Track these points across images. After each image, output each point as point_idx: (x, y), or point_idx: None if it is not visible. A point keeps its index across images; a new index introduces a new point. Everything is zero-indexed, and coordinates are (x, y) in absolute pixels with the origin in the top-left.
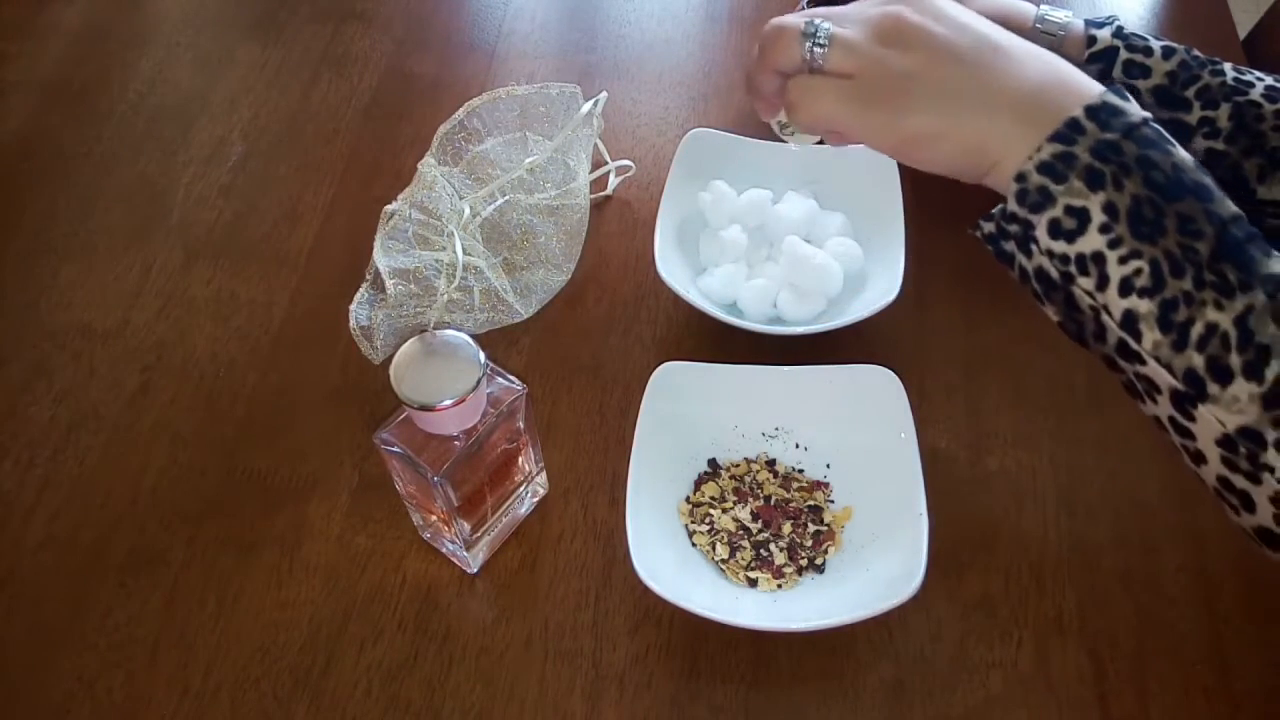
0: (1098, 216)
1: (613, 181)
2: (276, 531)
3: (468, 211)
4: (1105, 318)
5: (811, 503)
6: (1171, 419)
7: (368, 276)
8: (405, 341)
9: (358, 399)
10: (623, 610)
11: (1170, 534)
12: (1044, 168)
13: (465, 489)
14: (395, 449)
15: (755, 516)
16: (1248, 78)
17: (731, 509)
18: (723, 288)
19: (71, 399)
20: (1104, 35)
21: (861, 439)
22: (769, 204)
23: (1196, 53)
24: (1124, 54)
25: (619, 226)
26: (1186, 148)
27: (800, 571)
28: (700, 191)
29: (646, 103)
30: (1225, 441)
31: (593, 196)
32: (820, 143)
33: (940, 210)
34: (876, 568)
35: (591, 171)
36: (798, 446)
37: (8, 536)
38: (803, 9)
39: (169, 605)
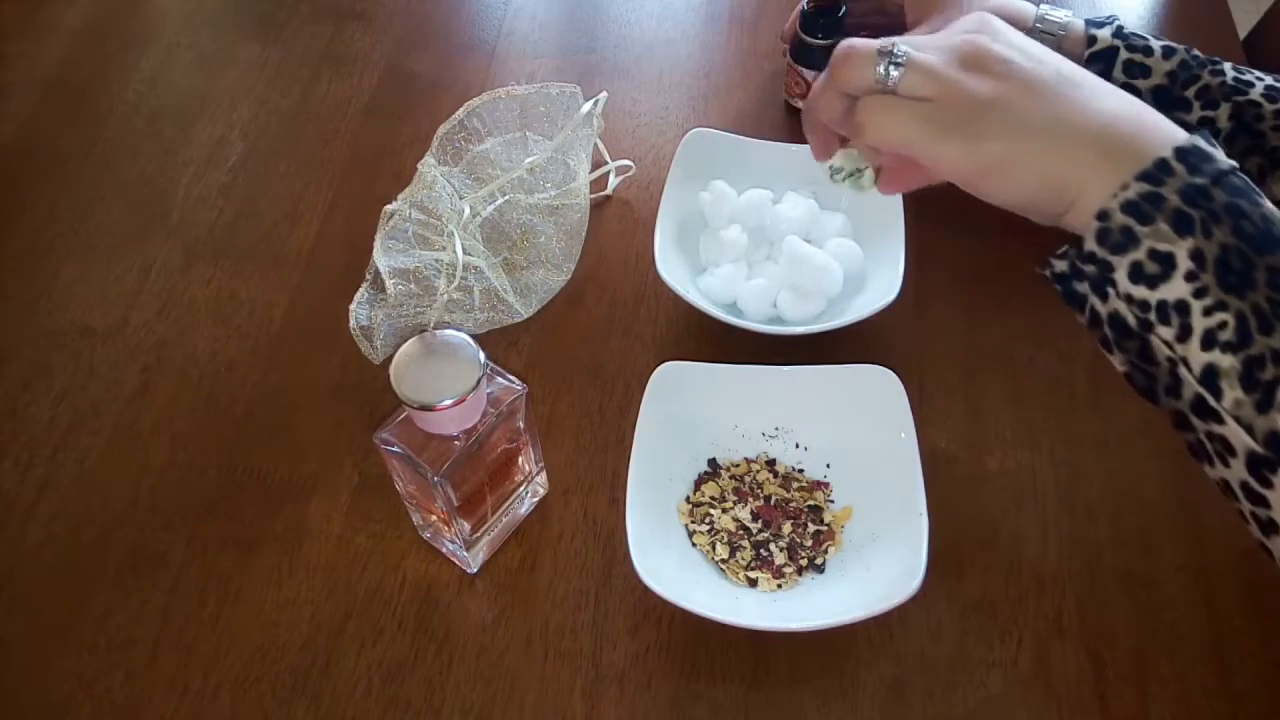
0: (1184, 263)
1: (613, 181)
2: (276, 531)
3: (468, 211)
4: (1183, 370)
5: (811, 503)
6: (1244, 484)
7: (368, 276)
8: (405, 341)
9: (358, 399)
10: (623, 610)
11: (1170, 534)
12: (1129, 207)
13: (465, 489)
14: (395, 449)
15: (755, 516)
16: (1247, 77)
17: (731, 509)
18: (723, 288)
19: (71, 399)
20: (1104, 35)
21: (861, 439)
22: (769, 204)
23: (1196, 52)
24: (1124, 54)
25: (619, 226)
26: None
27: (800, 571)
28: (700, 191)
29: (646, 103)
30: None
31: (593, 196)
32: (873, 185)
33: (940, 210)
34: (876, 568)
35: (591, 171)
36: (798, 446)
37: (8, 536)
38: (802, 9)
39: (169, 605)
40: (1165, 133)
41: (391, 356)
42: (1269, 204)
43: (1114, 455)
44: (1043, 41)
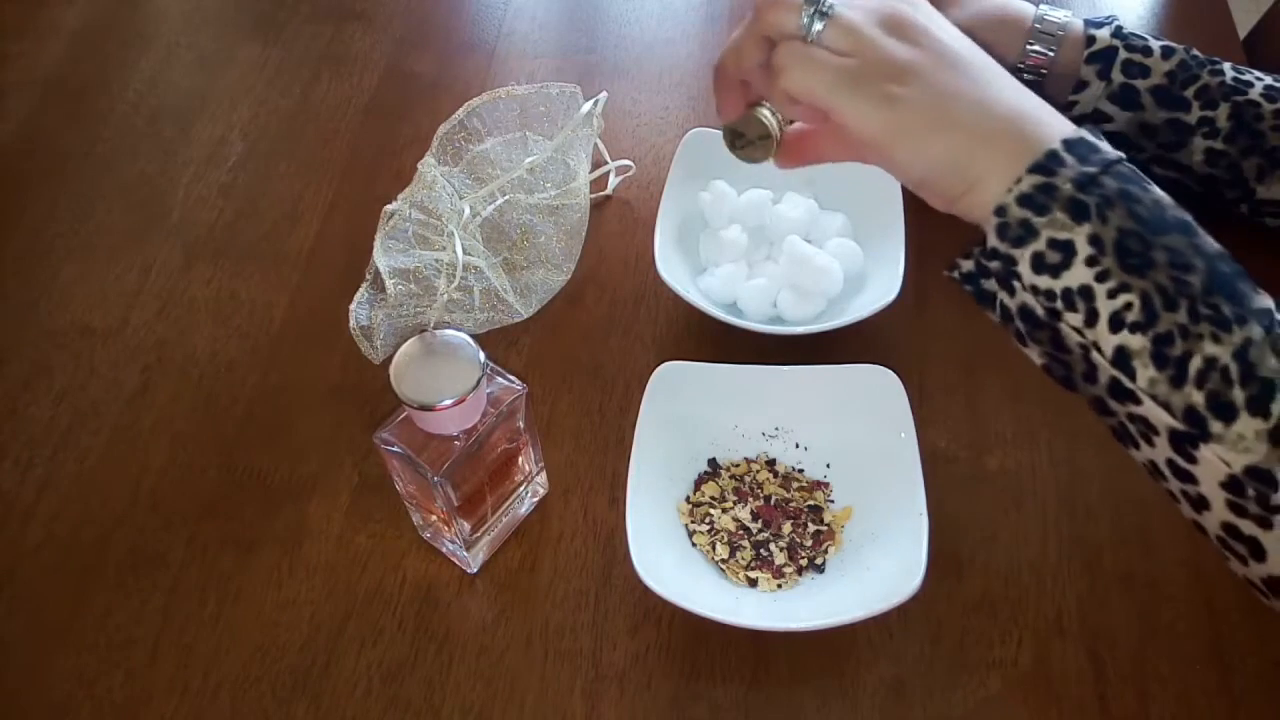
0: (1084, 249)
1: (613, 181)
2: (276, 531)
3: (468, 211)
4: (1096, 355)
5: (811, 502)
6: (1170, 462)
7: (368, 276)
8: (405, 341)
9: (358, 399)
10: (623, 610)
11: (1170, 533)
12: (1024, 200)
13: (465, 489)
14: (395, 449)
15: (755, 516)
16: (1247, 77)
17: (731, 509)
18: (723, 287)
19: (71, 399)
20: (1103, 35)
21: (861, 439)
22: (769, 204)
23: (1196, 52)
24: (1123, 54)
25: (619, 226)
26: (1186, 147)
27: (800, 571)
28: (700, 191)
29: (646, 102)
30: (1231, 484)
31: (593, 196)
32: (768, 160)
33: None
34: (876, 567)
35: (591, 171)
36: (798, 446)
37: (8, 536)
38: None
39: (169, 605)
40: (1056, 126)
41: (391, 356)
42: (1158, 191)
43: (1114, 454)
44: (1042, 42)
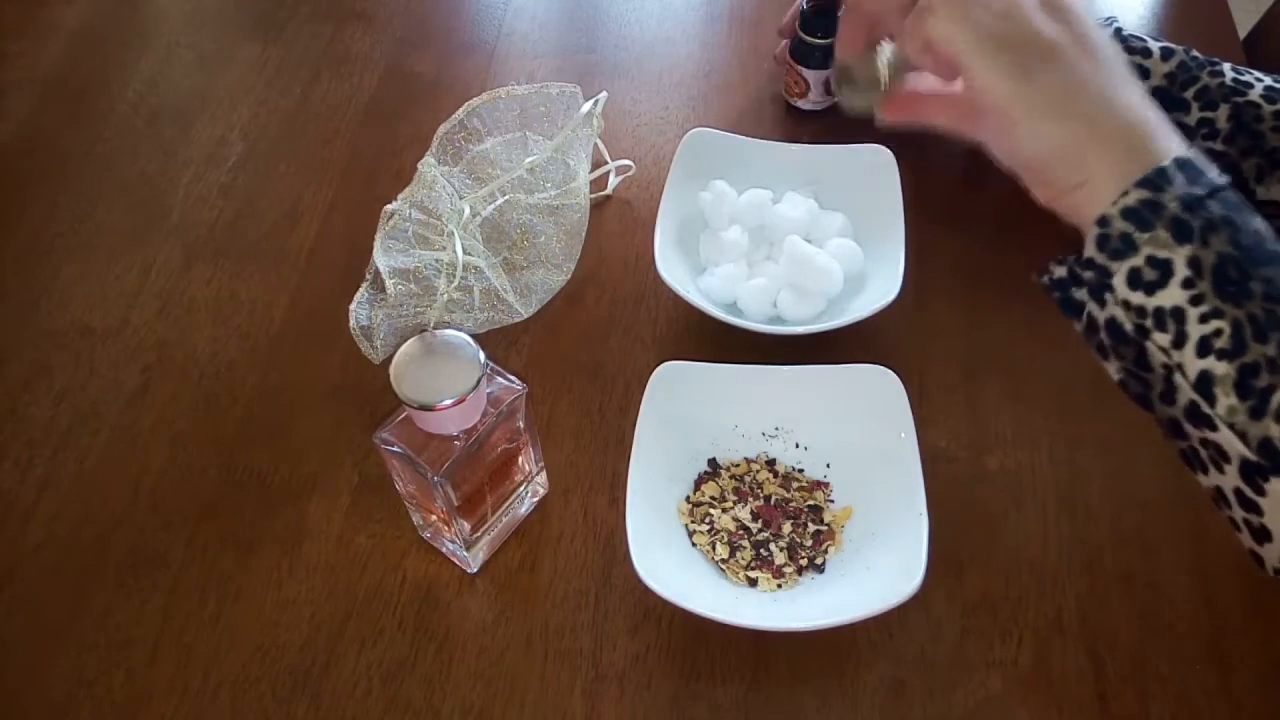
0: (1181, 270)
1: (613, 181)
2: (276, 531)
3: (468, 211)
4: (1178, 377)
5: (811, 502)
6: (1238, 491)
7: (368, 276)
8: (405, 341)
9: (358, 399)
10: (623, 610)
11: (1170, 534)
12: (1129, 213)
13: (465, 489)
14: (395, 449)
15: (755, 516)
16: (1246, 78)
17: (731, 509)
18: (723, 287)
19: (71, 399)
20: None
21: (861, 439)
22: (769, 204)
23: (1196, 53)
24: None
25: (619, 226)
26: None
27: (800, 571)
28: (700, 191)
29: (646, 102)
30: None
31: (593, 196)
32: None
33: (940, 210)
34: (876, 567)
35: (591, 171)
36: (798, 446)
37: (8, 536)
38: (801, 8)
39: (169, 605)
40: (1170, 142)
41: (391, 356)
42: (1260, 221)
43: (1114, 455)
44: None
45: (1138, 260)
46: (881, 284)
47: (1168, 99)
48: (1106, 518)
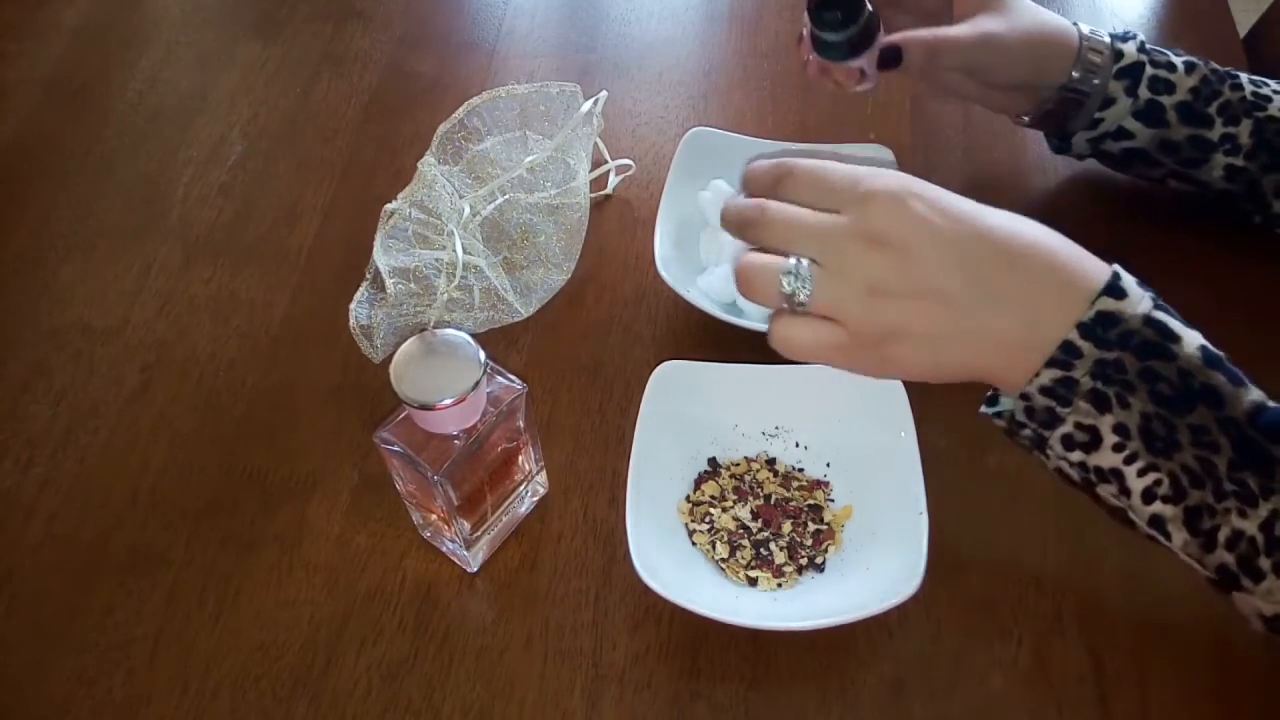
0: (1109, 437)
1: (613, 181)
2: (276, 531)
3: (468, 210)
4: (1133, 516)
5: (811, 502)
6: (1213, 582)
7: (368, 275)
8: (405, 340)
9: (358, 398)
10: (623, 609)
11: None
12: (1046, 391)
13: (465, 488)
14: (395, 448)
15: (755, 515)
16: (1264, 91)
17: (731, 508)
18: (723, 287)
19: (71, 398)
20: (1130, 49)
21: (861, 438)
22: None
23: (1214, 65)
24: (1149, 69)
25: (619, 225)
26: (1207, 164)
27: (800, 571)
28: (700, 191)
29: (646, 102)
30: (1268, 621)
31: (593, 195)
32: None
33: None
34: (876, 567)
35: (591, 170)
36: (798, 445)
37: (8, 536)
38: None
39: (169, 604)
40: (1075, 300)
41: (391, 356)
42: (1187, 348)
43: None
44: (1090, 59)
45: (1067, 428)
46: None
47: (1192, 114)
48: (1106, 518)
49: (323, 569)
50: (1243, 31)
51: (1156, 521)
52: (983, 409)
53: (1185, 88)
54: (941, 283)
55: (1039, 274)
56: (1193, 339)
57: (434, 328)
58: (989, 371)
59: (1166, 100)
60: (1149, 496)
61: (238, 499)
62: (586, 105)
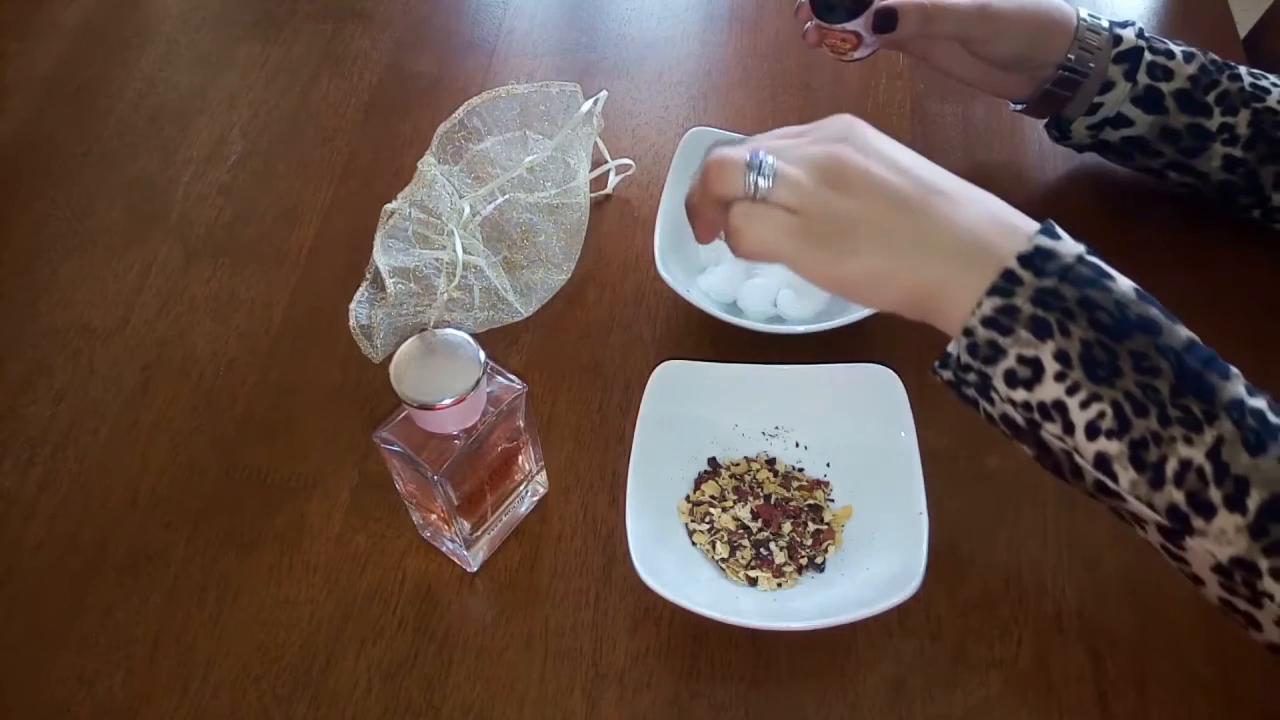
0: (1051, 365)
1: (613, 180)
2: (276, 530)
3: (468, 210)
4: (1079, 459)
5: (811, 502)
6: (1164, 547)
7: (367, 275)
8: (405, 340)
9: (358, 398)
10: (623, 609)
11: None
12: (988, 322)
13: (465, 488)
14: (395, 448)
15: (755, 515)
16: (1263, 83)
17: (731, 508)
18: (723, 286)
19: (71, 397)
20: (1129, 35)
21: (861, 438)
22: None
23: (1214, 56)
24: (1148, 55)
25: (619, 225)
26: (1205, 153)
27: (800, 570)
28: None
29: (646, 101)
30: (1220, 569)
31: (593, 195)
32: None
33: None
34: (876, 567)
35: (591, 170)
36: (798, 445)
37: (8, 536)
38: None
39: (169, 604)
40: (1013, 238)
41: (391, 355)
42: (1121, 285)
43: None
44: (1087, 39)
45: (1009, 362)
46: None
47: (1190, 102)
48: (1106, 517)
49: (323, 569)
50: (1243, 31)
51: (1102, 462)
52: (934, 368)
53: (1184, 75)
54: (897, 184)
55: (982, 211)
56: (1126, 280)
57: (434, 328)
58: (934, 290)
59: (1165, 86)
60: (1093, 431)
61: (238, 499)
62: (586, 105)
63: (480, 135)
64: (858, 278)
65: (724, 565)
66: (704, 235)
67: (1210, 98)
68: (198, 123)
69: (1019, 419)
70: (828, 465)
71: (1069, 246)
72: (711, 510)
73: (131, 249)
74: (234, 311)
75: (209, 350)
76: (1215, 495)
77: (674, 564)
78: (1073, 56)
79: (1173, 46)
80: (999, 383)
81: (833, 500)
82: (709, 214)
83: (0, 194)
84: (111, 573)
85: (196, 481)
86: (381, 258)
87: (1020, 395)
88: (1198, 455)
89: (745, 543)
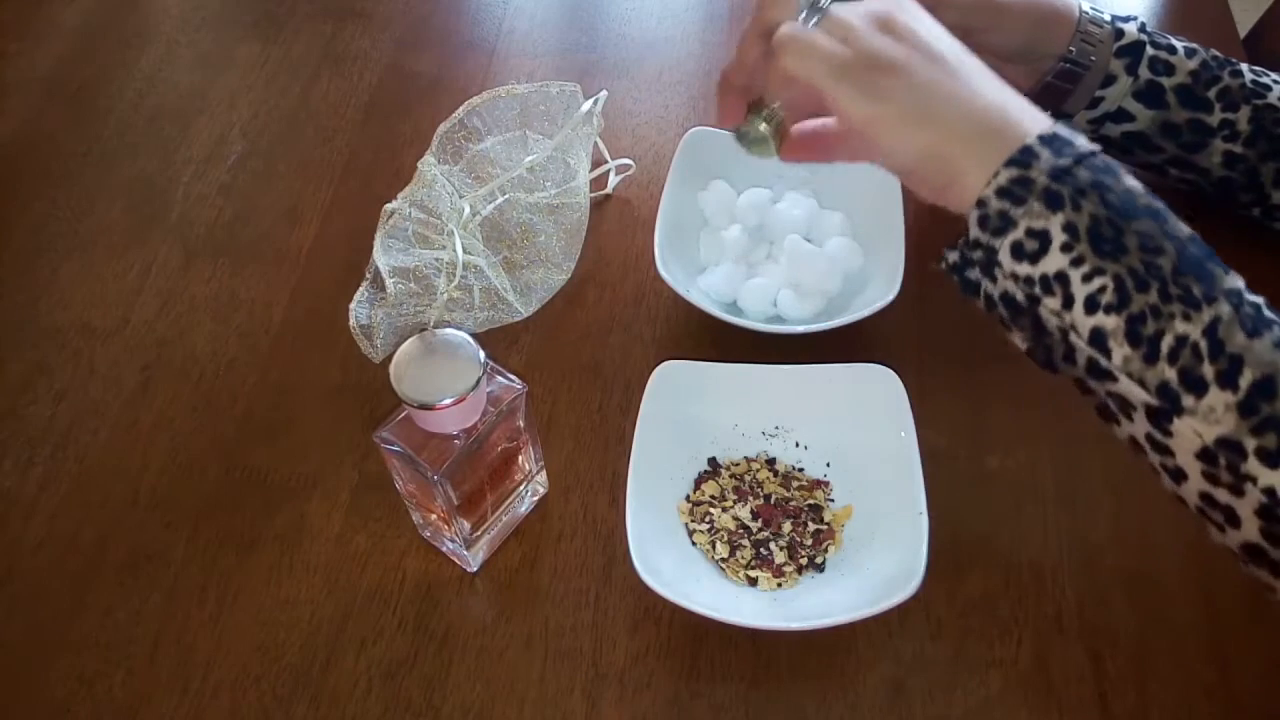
0: (1058, 236)
1: (613, 180)
2: (276, 530)
3: (468, 210)
4: (1074, 337)
5: (811, 501)
6: (1149, 436)
7: (368, 275)
8: (405, 340)
9: (357, 398)
10: (623, 609)
11: (1170, 533)
12: (1002, 192)
13: (465, 488)
14: (395, 448)
15: (755, 515)
16: (1265, 80)
17: (731, 508)
18: (723, 287)
19: (71, 397)
20: (1131, 29)
21: (861, 438)
22: (769, 203)
23: (1215, 53)
24: (1150, 50)
25: (619, 225)
26: (1206, 149)
27: (800, 570)
28: (700, 191)
29: (646, 101)
30: (1205, 454)
31: (593, 195)
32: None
33: (940, 210)
34: (876, 567)
35: (591, 170)
36: (798, 445)
37: (8, 535)
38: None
39: (169, 604)
40: (1032, 122)
41: (391, 355)
42: (1130, 180)
43: (1114, 454)
44: (1090, 31)
45: (1018, 234)
46: (881, 283)
47: (1191, 98)
48: (1106, 517)
49: (323, 569)
50: (1243, 31)
51: (1098, 337)
52: (941, 256)
53: (1185, 70)
54: (939, 47)
55: (1009, 93)
56: (1136, 180)
57: (434, 327)
58: (956, 154)
59: (1166, 81)
60: (1092, 305)
61: (238, 499)
62: (586, 105)
63: (480, 135)
64: (888, 119)
65: (724, 565)
66: (728, 114)
67: (1211, 93)
68: (198, 123)
69: (1019, 295)
70: (828, 465)
71: (1085, 142)
72: (711, 510)
73: (131, 249)
74: (234, 311)
75: (209, 350)
76: (1208, 371)
77: (674, 564)
78: (1074, 49)
79: (1175, 42)
80: (1005, 256)
81: (833, 500)
82: (750, 55)
83: (0, 194)
84: (111, 573)
85: (196, 481)
86: (381, 258)
87: (1024, 269)
88: (1194, 331)
89: (745, 543)
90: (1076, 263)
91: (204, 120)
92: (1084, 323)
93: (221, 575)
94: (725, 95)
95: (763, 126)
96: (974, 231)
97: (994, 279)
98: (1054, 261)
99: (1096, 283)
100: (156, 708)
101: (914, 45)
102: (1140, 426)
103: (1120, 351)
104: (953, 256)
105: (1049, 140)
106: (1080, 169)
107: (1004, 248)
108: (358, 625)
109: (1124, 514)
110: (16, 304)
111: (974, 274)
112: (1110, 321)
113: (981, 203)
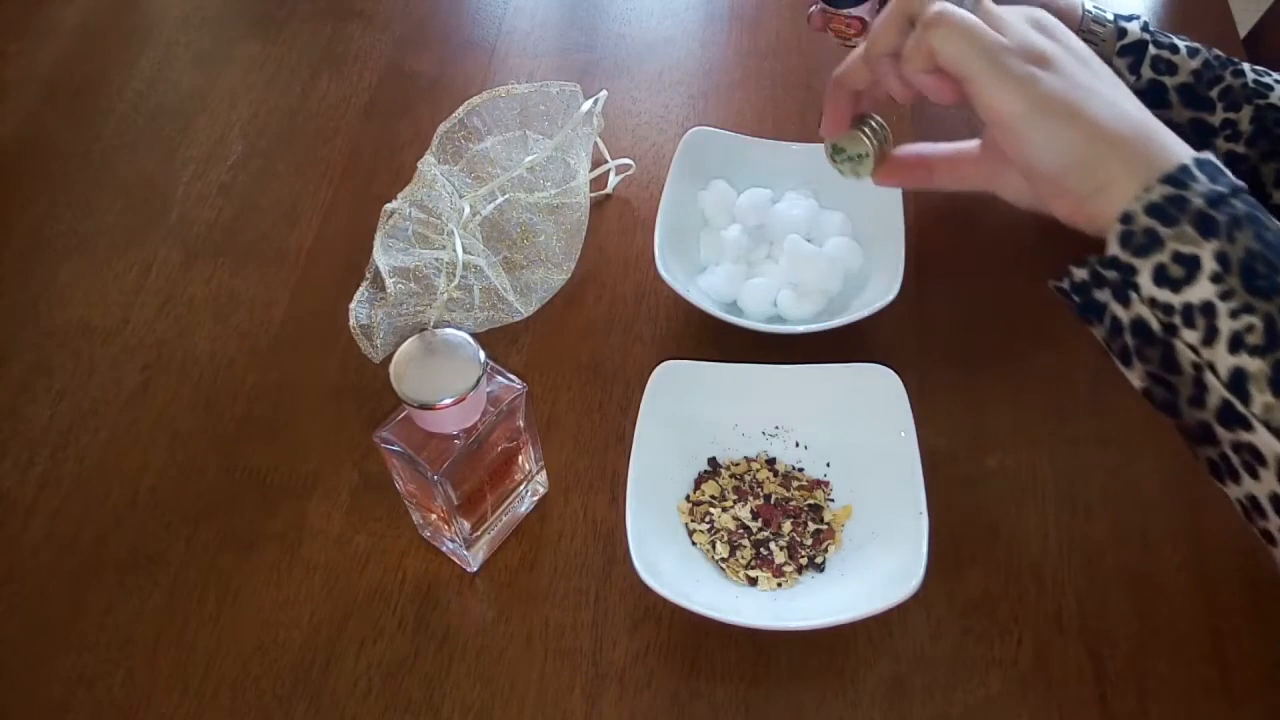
0: (1210, 265)
1: (613, 180)
2: (276, 530)
3: (468, 210)
4: (1209, 376)
5: (811, 501)
6: (1274, 496)
7: (367, 275)
8: (405, 340)
9: (357, 398)
10: (623, 609)
11: (1170, 533)
12: (1153, 209)
13: (465, 488)
14: (395, 447)
15: (755, 515)
16: (1267, 80)
17: (731, 507)
18: (723, 286)
19: (71, 397)
20: (1133, 28)
21: (861, 438)
22: (769, 203)
23: (1218, 52)
24: (1152, 49)
25: (619, 225)
26: (1207, 149)
27: (800, 570)
28: (700, 191)
29: (646, 101)
30: None
31: (593, 195)
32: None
33: (940, 210)
34: (876, 566)
35: (591, 170)
36: (798, 445)
37: (8, 536)
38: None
39: (169, 604)
40: (1177, 142)
41: (391, 355)
42: (1277, 222)
43: (1114, 453)
44: (1092, 30)
45: (1163, 256)
46: (881, 283)
47: (1193, 97)
48: (1106, 517)
49: (323, 569)
50: (1243, 31)
51: (1238, 380)
52: (1065, 273)
53: (1187, 70)
54: (1088, 53)
55: (1152, 116)
56: None
57: (434, 327)
58: (1107, 159)
59: (1169, 81)
60: (1236, 344)
61: (237, 499)
62: (586, 105)
63: (480, 135)
64: (1039, 111)
65: (724, 565)
66: (834, 122)
67: (1214, 93)
68: (198, 123)
69: (1154, 324)
70: (828, 465)
71: (1234, 178)
72: (711, 510)
73: (131, 249)
74: (234, 311)
75: (209, 350)
76: None
77: (674, 564)
78: None
79: (1177, 41)
80: (1145, 278)
81: (833, 500)
82: (887, 42)
83: (0, 194)
84: (111, 573)
85: (196, 481)
86: (381, 257)
87: (1165, 295)
88: None
89: (745, 542)
90: (1225, 296)
91: (204, 120)
92: (1225, 361)
93: (221, 575)
94: (836, 101)
95: (868, 143)
96: (1113, 248)
97: (1127, 303)
98: (1201, 291)
99: (1244, 320)
100: (156, 708)
101: (1066, 45)
102: (1268, 485)
103: (1261, 398)
104: (1081, 274)
105: (1203, 164)
106: (1236, 200)
107: (1146, 269)
108: (358, 625)
109: (1124, 514)
110: (16, 304)
111: (1103, 295)
112: (1254, 364)
113: (1128, 217)
